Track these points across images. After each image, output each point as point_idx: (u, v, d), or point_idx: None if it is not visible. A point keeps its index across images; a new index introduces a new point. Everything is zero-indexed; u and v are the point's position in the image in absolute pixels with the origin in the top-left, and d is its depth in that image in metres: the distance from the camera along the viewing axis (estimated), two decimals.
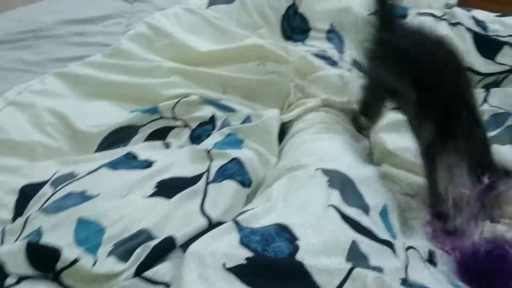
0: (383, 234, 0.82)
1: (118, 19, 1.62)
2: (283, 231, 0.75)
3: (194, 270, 0.67)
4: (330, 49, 1.48)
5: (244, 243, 0.72)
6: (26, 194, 0.94)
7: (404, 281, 0.71)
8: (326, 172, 0.88)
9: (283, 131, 1.17)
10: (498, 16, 1.59)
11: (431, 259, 0.85)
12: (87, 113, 1.19)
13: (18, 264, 0.74)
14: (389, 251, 0.78)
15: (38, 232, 0.79)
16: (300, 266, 0.65)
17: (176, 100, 1.21)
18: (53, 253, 0.74)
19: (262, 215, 0.80)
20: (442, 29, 1.49)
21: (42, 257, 0.75)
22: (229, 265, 0.68)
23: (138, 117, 1.18)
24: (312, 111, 1.20)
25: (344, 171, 0.89)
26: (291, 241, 0.73)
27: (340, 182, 0.87)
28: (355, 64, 1.52)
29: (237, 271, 0.67)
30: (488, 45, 1.47)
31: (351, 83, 1.30)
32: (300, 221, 0.77)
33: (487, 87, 1.49)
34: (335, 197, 0.83)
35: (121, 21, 1.62)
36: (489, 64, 1.45)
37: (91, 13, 1.61)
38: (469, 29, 1.50)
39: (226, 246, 0.71)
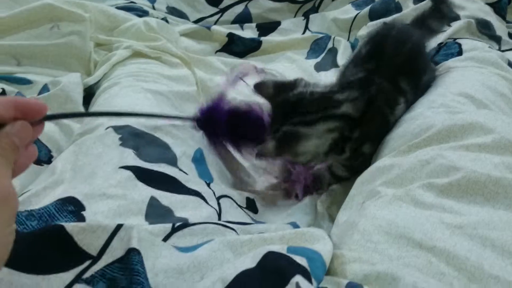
0: (193, 183, 0.76)
1: None
2: (67, 204, 0.65)
3: None
4: (139, 0, 1.37)
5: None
6: None
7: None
8: (117, 129, 0.78)
9: (93, 94, 1.06)
10: None
11: (250, 206, 0.83)
12: None
13: None
14: (197, 200, 0.72)
15: None
16: (60, 229, 0.56)
17: None
18: None
19: (45, 192, 0.68)
20: None
21: None
22: None
23: None
24: (120, 66, 1.09)
25: (136, 125, 0.80)
26: (76, 213, 0.64)
27: (133, 137, 0.78)
28: (171, 10, 1.43)
29: None
30: None
31: (161, 28, 1.21)
32: (89, 190, 0.67)
33: (306, 14, 1.49)
34: (128, 155, 0.73)
35: None
36: None
37: None
38: None
39: None
